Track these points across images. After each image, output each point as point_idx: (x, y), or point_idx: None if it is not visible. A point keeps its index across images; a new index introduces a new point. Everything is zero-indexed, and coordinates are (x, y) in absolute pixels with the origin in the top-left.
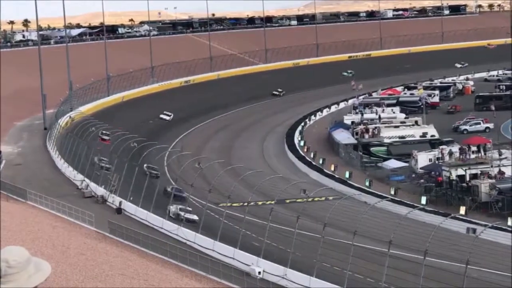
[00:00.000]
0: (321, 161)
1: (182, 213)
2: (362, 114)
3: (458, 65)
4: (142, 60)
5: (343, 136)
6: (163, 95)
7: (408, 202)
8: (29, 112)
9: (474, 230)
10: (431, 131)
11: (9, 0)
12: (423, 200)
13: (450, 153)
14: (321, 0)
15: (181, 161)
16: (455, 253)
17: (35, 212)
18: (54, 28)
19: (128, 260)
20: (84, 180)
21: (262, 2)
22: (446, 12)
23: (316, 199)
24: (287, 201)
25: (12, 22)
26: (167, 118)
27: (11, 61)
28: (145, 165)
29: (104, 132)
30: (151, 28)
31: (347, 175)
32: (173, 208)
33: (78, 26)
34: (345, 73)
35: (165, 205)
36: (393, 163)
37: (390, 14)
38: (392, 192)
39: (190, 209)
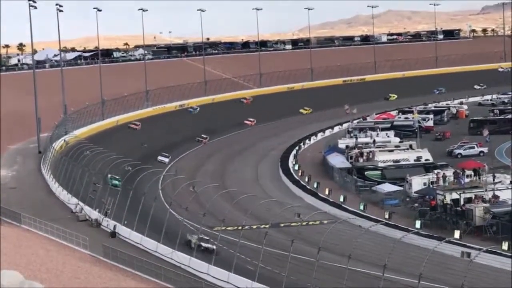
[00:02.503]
0: (315, 185)
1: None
2: (356, 138)
3: (477, 87)
4: (137, 84)
5: (337, 160)
6: (157, 119)
7: (403, 226)
8: (24, 136)
9: (469, 254)
10: (426, 155)
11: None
12: (418, 224)
13: (444, 177)
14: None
15: (176, 184)
16: (450, 277)
17: (29, 236)
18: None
19: (122, 284)
20: (78, 203)
21: (257, 26)
22: (440, 36)
23: (310, 223)
24: (282, 225)
25: (7, 46)
26: (165, 160)
27: (6, 84)
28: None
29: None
30: (146, 52)
31: (341, 199)
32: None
33: (73, 50)
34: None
35: (160, 228)
36: (387, 187)
37: (384, 38)
38: (387, 216)
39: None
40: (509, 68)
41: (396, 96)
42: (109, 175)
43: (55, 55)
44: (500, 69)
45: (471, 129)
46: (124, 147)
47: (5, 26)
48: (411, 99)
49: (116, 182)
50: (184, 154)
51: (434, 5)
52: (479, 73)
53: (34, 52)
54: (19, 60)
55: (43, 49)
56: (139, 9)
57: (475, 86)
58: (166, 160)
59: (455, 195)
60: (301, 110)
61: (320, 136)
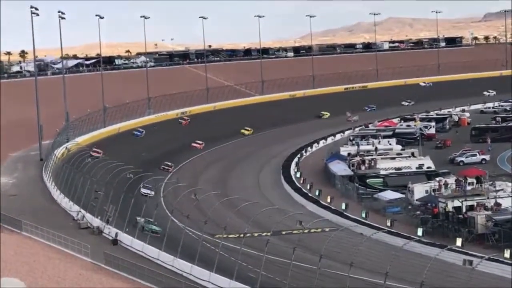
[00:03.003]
0: (317, 193)
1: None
2: (358, 146)
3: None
4: (139, 91)
5: (339, 168)
6: (159, 126)
7: (405, 234)
8: (25, 143)
9: (471, 262)
10: (428, 163)
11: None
12: (420, 231)
13: (446, 185)
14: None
15: (177, 192)
16: (452, 285)
17: (30, 243)
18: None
19: None
20: (80, 211)
21: (259, 33)
22: (442, 44)
23: (312, 230)
24: (283, 232)
25: (9, 53)
26: (149, 193)
27: (8, 92)
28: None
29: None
30: (147, 59)
31: (343, 206)
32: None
33: (75, 57)
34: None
35: (161, 236)
36: (389, 195)
37: (386, 46)
38: (388, 224)
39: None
40: (431, 83)
41: (329, 114)
42: (143, 220)
43: (52, 62)
44: (423, 84)
45: (473, 137)
46: (126, 154)
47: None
48: (413, 106)
49: (155, 227)
50: (186, 161)
51: (436, 12)
52: (481, 80)
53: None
54: (21, 67)
55: (45, 56)
56: (141, 17)
57: (403, 103)
58: (151, 193)
59: (457, 203)
60: (242, 131)
61: (322, 143)
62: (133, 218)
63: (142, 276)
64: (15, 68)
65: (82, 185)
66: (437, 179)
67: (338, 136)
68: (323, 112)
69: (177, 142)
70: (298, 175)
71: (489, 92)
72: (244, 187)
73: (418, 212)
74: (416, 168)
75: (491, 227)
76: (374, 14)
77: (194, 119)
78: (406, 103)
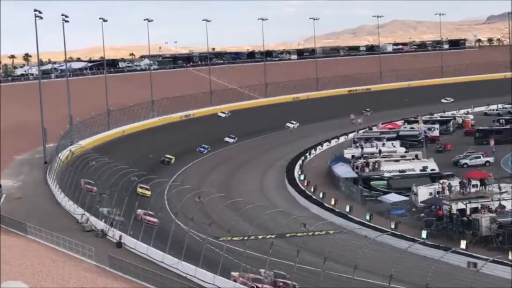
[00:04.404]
0: (321, 195)
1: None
2: (362, 148)
3: (444, 101)
4: (143, 94)
5: (343, 170)
6: (163, 129)
7: (409, 236)
8: (30, 146)
9: (475, 264)
10: (431, 165)
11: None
12: (424, 234)
13: (450, 187)
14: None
15: (181, 195)
16: None
17: (35, 246)
18: (54, 62)
19: None
20: (84, 214)
21: (262, 36)
22: (446, 46)
23: (316, 233)
24: (288, 235)
25: (13, 56)
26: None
27: (11, 95)
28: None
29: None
30: (151, 62)
31: (347, 209)
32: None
33: (79, 60)
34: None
35: (165, 238)
36: (393, 197)
37: (390, 48)
38: (393, 226)
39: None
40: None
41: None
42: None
43: (55, 64)
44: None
45: (477, 139)
46: (130, 157)
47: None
48: (417, 109)
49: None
50: (190, 164)
51: (439, 14)
52: (485, 82)
53: (40, 62)
54: (25, 71)
55: (48, 59)
56: (144, 20)
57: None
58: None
59: (461, 205)
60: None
61: (326, 146)
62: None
63: (147, 279)
64: (20, 71)
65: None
66: (441, 181)
67: (342, 139)
68: (292, 122)
69: (183, 145)
70: (302, 177)
71: (447, 99)
72: (248, 190)
73: (422, 215)
74: (420, 170)
75: (496, 229)
76: (378, 17)
77: (198, 121)
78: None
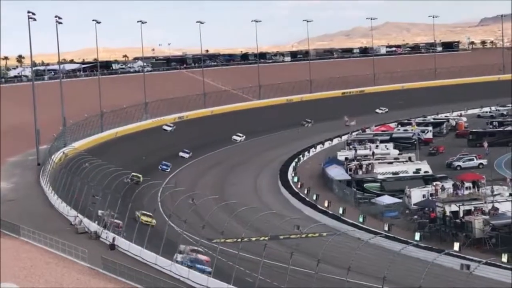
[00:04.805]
0: (314, 197)
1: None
2: (355, 150)
3: (379, 111)
4: (136, 96)
5: (336, 172)
6: (156, 131)
7: (402, 238)
8: (23, 148)
9: (468, 267)
10: (425, 167)
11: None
12: (417, 236)
13: (443, 189)
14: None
15: (175, 197)
16: None
17: (28, 248)
18: (47, 64)
19: None
20: (77, 216)
21: (256, 38)
22: (439, 48)
23: (309, 235)
24: (281, 237)
25: (6, 58)
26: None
27: (5, 96)
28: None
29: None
30: (145, 64)
31: (340, 211)
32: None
33: (72, 61)
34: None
35: (159, 240)
36: (386, 199)
37: (383, 50)
38: (386, 228)
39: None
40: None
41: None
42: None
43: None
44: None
45: (470, 141)
46: (123, 159)
47: (4, 38)
48: (410, 111)
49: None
50: (184, 166)
51: (433, 17)
52: (479, 85)
53: (34, 64)
54: (18, 73)
55: (42, 61)
56: (138, 21)
57: (377, 110)
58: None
59: (454, 207)
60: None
61: (319, 148)
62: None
63: (140, 280)
64: (13, 73)
65: (79, 189)
66: (434, 183)
67: (336, 141)
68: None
69: (176, 147)
70: (295, 179)
71: (381, 109)
72: (241, 192)
73: (416, 217)
74: (413, 172)
75: (489, 231)
76: (371, 19)
77: (191, 124)
78: (380, 111)
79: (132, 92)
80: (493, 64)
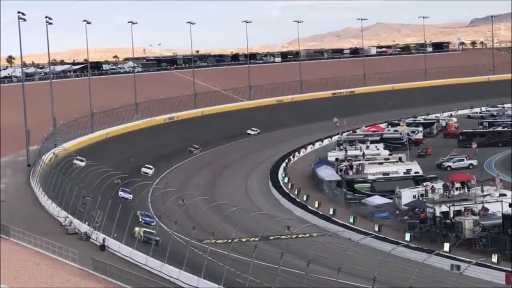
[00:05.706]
0: (305, 198)
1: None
2: (346, 151)
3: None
4: (126, 96)
5: (327, 173)
6: (147, 132)
7: (392, 239)
8: (13, 149)
9: (458, 267)
10: (415, 168)
11: None
12: (407, 236)
13: (433, 190)
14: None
15: (165, 198)
16: None
17: (18, 249)
18: (38, 65)
19: None
20: (67, 216)
21: (246, 38)
22: (429, 49)
23: (300, 236)
24: (271, 237)
25: None
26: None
27: None
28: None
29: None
30: (135, 64)
31: (331, 211)
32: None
33: (62, 62)
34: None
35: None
36: (377, 200)
37: (373, 51)
38: (376, 229)
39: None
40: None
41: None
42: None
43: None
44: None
45: (461, 142)
46: (113, 160)
47: None
48: (400, 111)
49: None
50: (174, 167)
51: (423, 17)
52: (469, 85)
53: (24, 65)
54: (8, 74)
55: (32, 62)
56: (128, 22)
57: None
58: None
59: (444, 208)
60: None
61: (309, 148)
62: (126, 226)
63: (130, 281)
64: (3, 74)
65: (70, 190)
66: (425, 184)
67: (326, 141)
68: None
69: (167, 148)
70: (286, 180)
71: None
72: (232, 193)
73: (406, 217)
74: (404, 173)
75: (479, 232)
76: (362, 20)
77: (182, 124)
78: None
79: (123, 92)
80: (484, 64)
